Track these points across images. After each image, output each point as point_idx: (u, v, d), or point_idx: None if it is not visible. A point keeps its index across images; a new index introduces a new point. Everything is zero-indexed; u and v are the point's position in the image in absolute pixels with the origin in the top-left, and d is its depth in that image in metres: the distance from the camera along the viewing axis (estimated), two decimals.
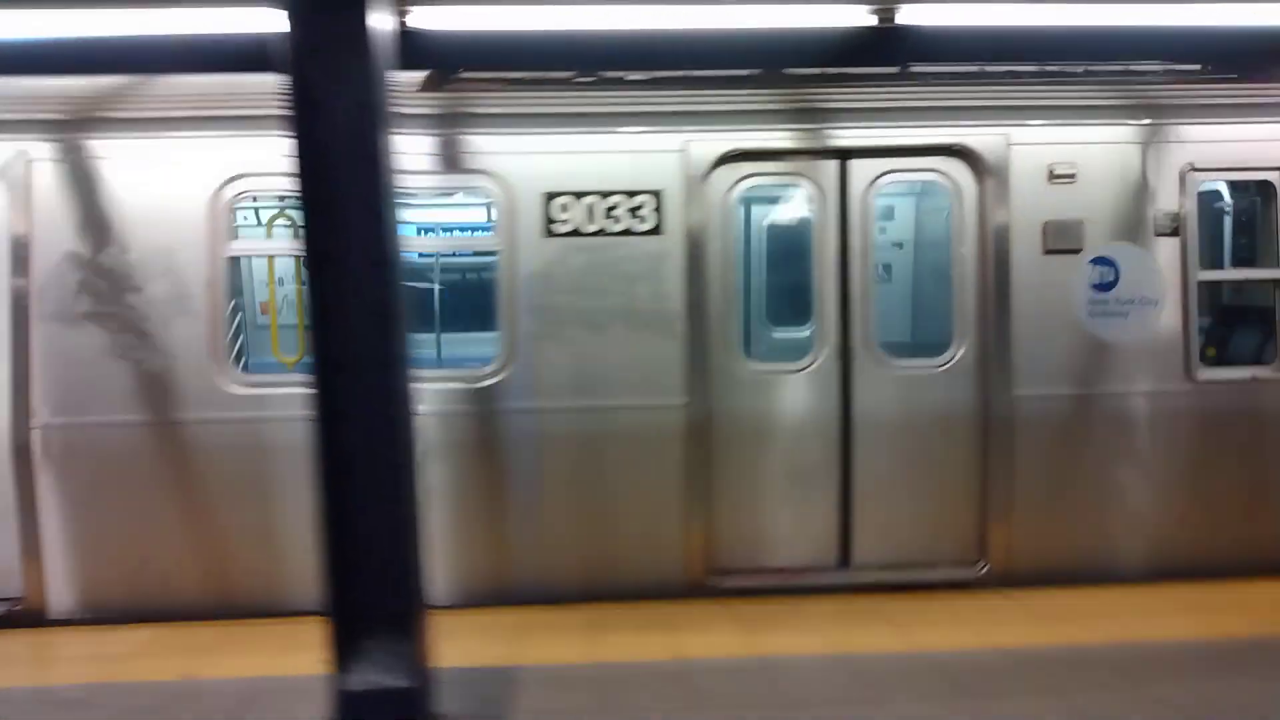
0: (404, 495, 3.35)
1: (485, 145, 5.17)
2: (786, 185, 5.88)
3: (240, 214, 6.14)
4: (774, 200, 6.88)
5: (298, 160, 3.11)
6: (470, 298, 7.97)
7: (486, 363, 5.20)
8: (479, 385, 5.16)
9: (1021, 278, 5.29)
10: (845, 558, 5.42)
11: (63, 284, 4.97)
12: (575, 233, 5.18)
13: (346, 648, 3.31)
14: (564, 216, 5.18)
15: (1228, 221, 6.57)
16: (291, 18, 3.04)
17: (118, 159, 5.02)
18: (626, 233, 5.20)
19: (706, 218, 5.25)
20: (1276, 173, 5.43)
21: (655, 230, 5.21)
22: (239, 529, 5.05)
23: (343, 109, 3.06)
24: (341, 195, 3.12)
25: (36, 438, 4.98)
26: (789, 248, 6.62)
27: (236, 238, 5.31)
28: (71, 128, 5.05)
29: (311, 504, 3.30)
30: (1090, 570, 5.35)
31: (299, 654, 4.30)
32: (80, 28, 5.13)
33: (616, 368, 5.20)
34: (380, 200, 3.18)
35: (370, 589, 3.32)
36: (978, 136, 5.33)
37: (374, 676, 3.28)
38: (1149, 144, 5.36)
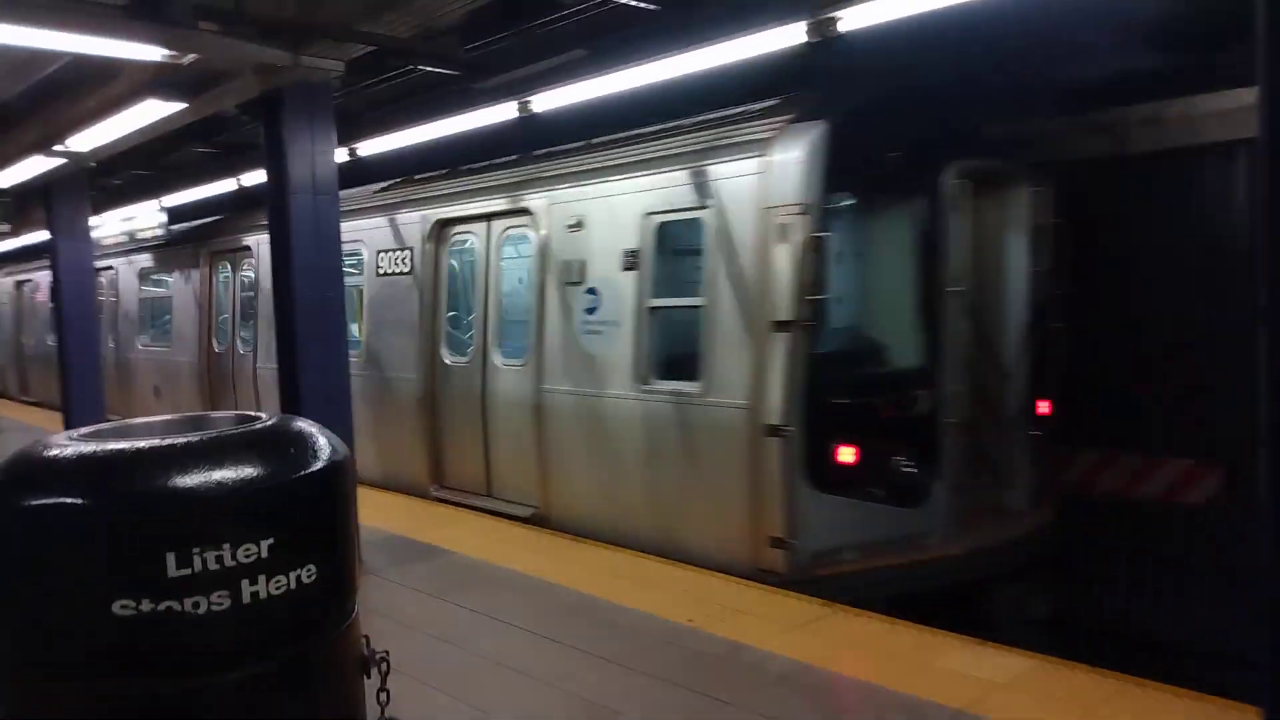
0: None
1: (360, 225, 8.84)
2: (467, 241, 8.13)
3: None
4: (465, 251, 8.40)
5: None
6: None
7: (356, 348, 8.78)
8: (356, 360, 8.34)
9: (550, 304, 7.08)
10: (489, 489, 7.81)
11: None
12: (383, 273, 8.76)
13: None
14: (380, 264, 8.76)
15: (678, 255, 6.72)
16: None
17: None
18: (399, 274, 8.56)
19: (431, 264, 8.23)
20: (699, 211, 6.04)
21: (409, 272, 8.45)
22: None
23: None
24: None
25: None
26: (467, 283, 8.54)
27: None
28: None
29: None
30: (591, 529, 6.78)
31: None
32: None
33: (393, 354, 8.62)
34: None
35: None
36: (534, 200, 7.28)
37: None
38: (624, 195, 6.54)
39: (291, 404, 6.34)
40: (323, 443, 2.21)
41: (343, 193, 8.82)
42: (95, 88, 7.10)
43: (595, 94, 6.37)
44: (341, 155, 8.76)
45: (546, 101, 6.61)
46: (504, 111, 6.90)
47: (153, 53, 5.26)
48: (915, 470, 5.82)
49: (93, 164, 10.23)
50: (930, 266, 6.02)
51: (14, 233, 10.80)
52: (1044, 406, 6.61)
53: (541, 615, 5.24)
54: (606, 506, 6.66)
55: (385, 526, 7.36)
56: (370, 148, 8.52)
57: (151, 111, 6.90)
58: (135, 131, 7.62)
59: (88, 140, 7.80)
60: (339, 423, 6.45)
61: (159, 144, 10.58)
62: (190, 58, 5.20)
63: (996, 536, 6.23)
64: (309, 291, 6.32)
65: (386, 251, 8.59)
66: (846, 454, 5.61)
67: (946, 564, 5.83)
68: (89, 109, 7.23)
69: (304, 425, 2.29)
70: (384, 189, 9.21)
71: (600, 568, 6.09)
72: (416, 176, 9.05)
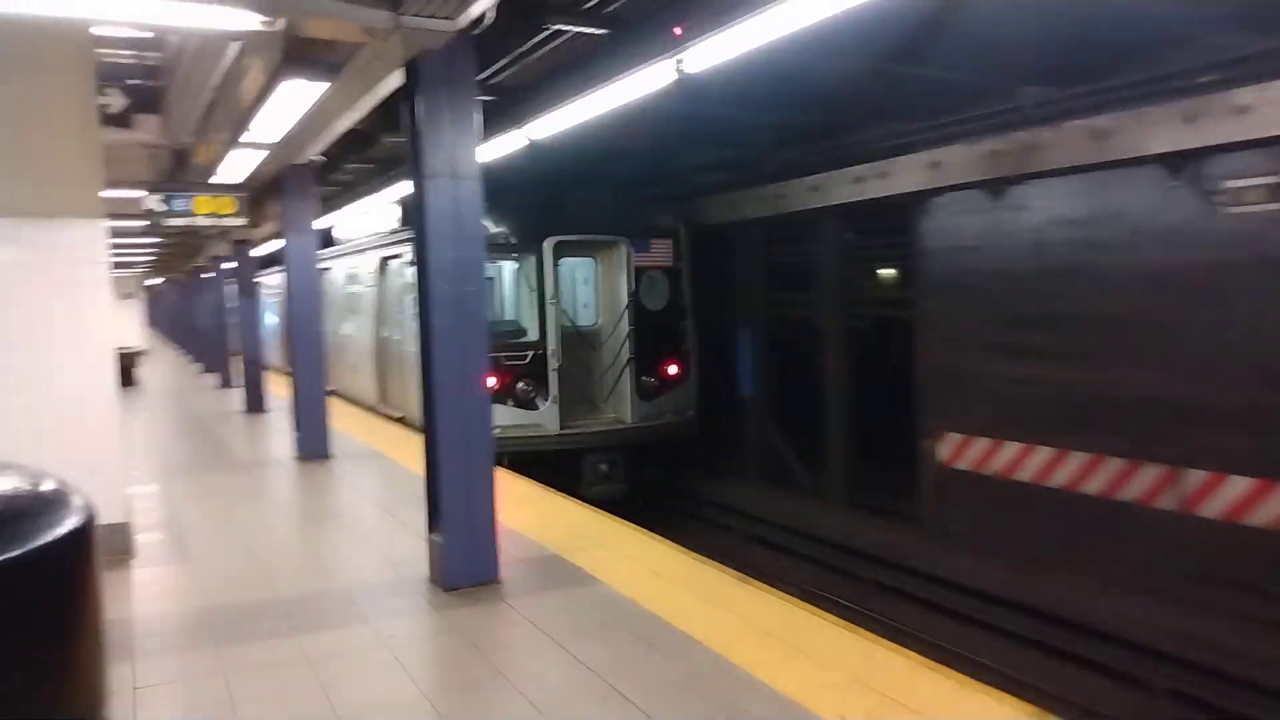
0: None
1: (357, 257, 16.11)
2: (387, 270, 13.89)
3: None
4: (387, 275, 14.02)
5: None
6: None
7: None
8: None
9: (406, 305, 12.50)
10: (384, 399, 13.93)
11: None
12: (366, 285, 15.03)
13: None
14: (365, 279, 15.31)
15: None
16: None
17: None
18: (369, 286, 14.79)
19: (378, 281, 14.18)
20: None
21: (373, 285, 14.49)
22: None
23: None
24: None
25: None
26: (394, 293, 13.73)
27: None
28: None
29: None
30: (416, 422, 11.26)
31: None
32: None
33: (355, 330, 15.66)
34: None
35: None
36: (386, 252, 13.69)
37: None
38: (405, 253, 12.49)
39: (427, 401, 5.84)
40: (33, 519, 1.34)
41: (366, 236, 15.77)
42: (248, 72, 6.87)
43: (760, 41, 5.23)
44: (519, 140, 8.24)
45: (702, 57, 5.51)
46: (659, 75, 5.88)
47: (249, 20, 4.76)
48: (531, 391, 11.18)
49: (319, 159, 10.39)
50: (541, 289, 11.36)
51: (250, 227, 11.41)
52: (673, 369, 12.08)
53: (665, 685, 4.21)
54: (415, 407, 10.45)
55: (538, 538, 6.66)
56: (540, 129, 7.84)
57: (306, 93, 6.57)
58: (308, 117, 7.39)
59: (265, 130, 7.68)
60: (476, 425, 5.85)
61: (361, 135, 10.62)
62: (280, 23, 4.64)
63: (587, 430, 11.51)
64: (444, 285, 5.68)
65: (369, 272, 14.57)
66: (489, 381, 9.85)
67: (550, 440, 11.19)
68: (253, 95, 7.03)
69: (28, 489, 1.42)
70: (370, 237, 15.34)
71: (753, 621, 4.95)
72: (385, 230, 14.87)
